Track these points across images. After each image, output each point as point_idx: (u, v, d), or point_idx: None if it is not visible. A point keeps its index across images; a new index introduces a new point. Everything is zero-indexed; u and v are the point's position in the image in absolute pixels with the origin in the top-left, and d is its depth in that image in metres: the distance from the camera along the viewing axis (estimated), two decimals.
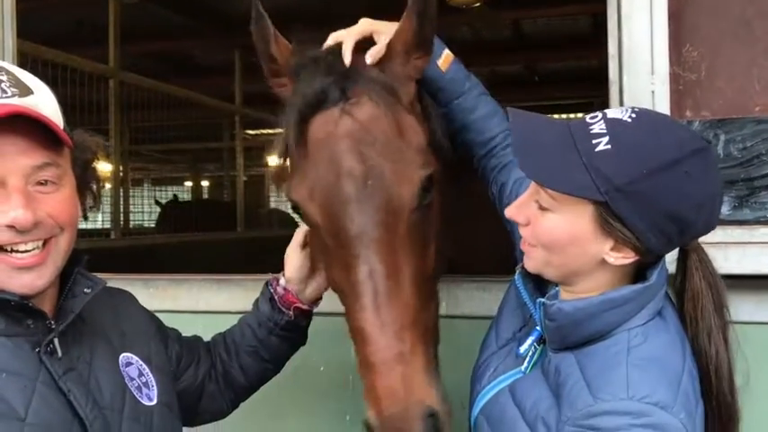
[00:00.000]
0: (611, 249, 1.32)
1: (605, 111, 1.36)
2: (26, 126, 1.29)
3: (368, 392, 1.42)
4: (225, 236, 7.89)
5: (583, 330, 1.35)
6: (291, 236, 1.85)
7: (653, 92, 1.89)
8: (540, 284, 1.51)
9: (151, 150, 10.28)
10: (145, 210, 11.82)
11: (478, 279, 2.16)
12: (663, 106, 1.87)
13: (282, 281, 1.82)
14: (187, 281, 2.30)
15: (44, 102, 1.35)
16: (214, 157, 10.94)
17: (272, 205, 15.37)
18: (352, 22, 1.73)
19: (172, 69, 9.39)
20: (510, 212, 1.43)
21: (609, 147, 1.27)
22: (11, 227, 1.27)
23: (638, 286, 1.34)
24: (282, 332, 1.80)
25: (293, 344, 1.86)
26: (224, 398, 1.82)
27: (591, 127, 1.31)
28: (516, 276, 1.53)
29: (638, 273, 1.39)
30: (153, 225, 11.09)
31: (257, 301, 1.86)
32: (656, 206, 1.27)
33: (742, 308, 1.86)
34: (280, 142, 1.68)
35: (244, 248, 7.10)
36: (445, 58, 1.80)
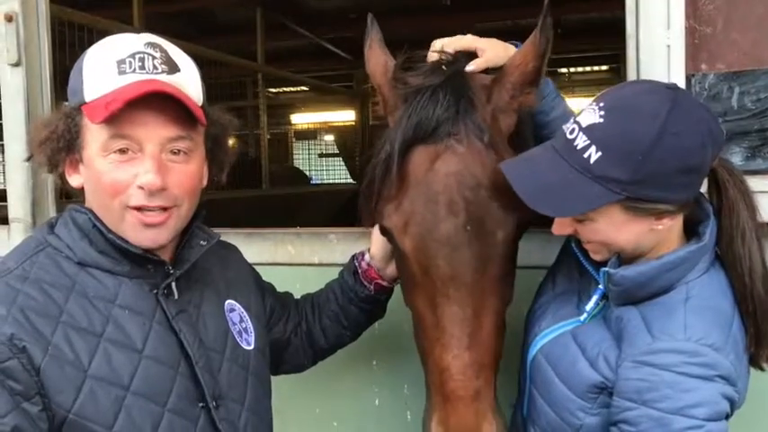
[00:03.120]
0: (655, 221, 1.43)
1: (577, 120, 1.43)
2: (169, 100, 1.43)
3: (439, 422, 1.54)
4: (251, 193, 7.98)
5: (646, 290, 1.47)
6: (312, 193, 1.93)
7: (668, 46, 1.93)
8: None
9: None
10: None
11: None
12: (678, 60, 1.92)
13: (367, 257, 1.93)
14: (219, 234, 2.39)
15: (189, 80, 1.50)
16: (238, 115, 11.01)
17: (296, 163, 15.45)
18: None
19: (194, 29, 9.40)
20: (555, 230, 1.53)
21: (600, 153, 1.36)
22: (141, 188, 1.41)
23: (694, 247, 1.46)
24: (362, 304, 1.93)
25: (371, 315, 1.99)
26: (305, 354, 1.98)
27: (575, 143, 1.40)
28: (573, 245, 1.64)
29: (688, 223, 1.51)
30: None
31: (343, 271, 1.99)
32: (668, 173, 1.36)
33: None
34: (380, 161, 1.66)
35: (269, 205, 7.20)
36: None
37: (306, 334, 1.96)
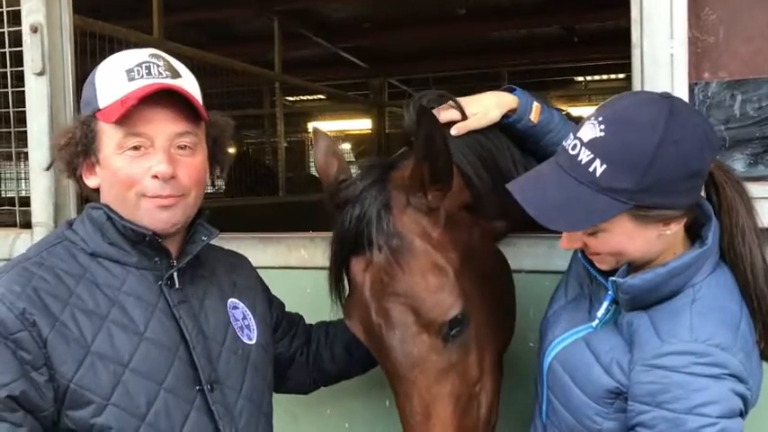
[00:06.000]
0: (663, 226, 1.46)
1: (578, 135, 1.47)
2: (174, 101, 1.60)
3: None
4: (268, 200, 8.06)
5: (654, 296, 1.50)
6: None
7: (672, 55, 1.97)
8: None
9: None
10: None
11: (528, 236, 2.24)
12: (681, 69, 1.96)
13: None
14: (235, 239, 2.46)
15: (189, 83, 1.68)
16: (255, 123, 11.12)
17: (313, 171, 15.54)
18: None
19: (213, 38, 9.52)
20: (564, 245, 1.58)
21: (605, 166, 1.41)
22: (155, 177, 1.58)
23: (698, 251, 1.49)
24: None
25: None
26: (309, 375, 2.07)
27: (579, 158, 1.44)
28: (580, 254, 1.67)
29: (690, 227, 1.54)
30: None
31: None
32: (672, 179, 1.41)
33: None
34: (329, 266, 1.84)
35: (286, 212, 7.27)
36: (535, 110, 1.97)
37: (314, 355, 2.06)
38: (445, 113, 1.92)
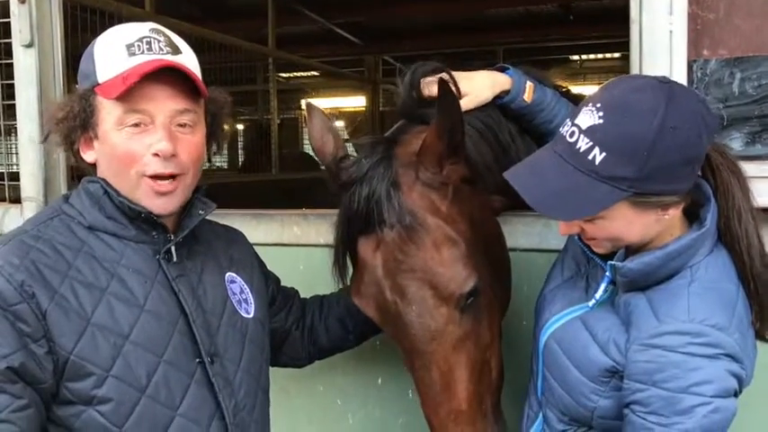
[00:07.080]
0: (661, 212, 1.46)
1: (575, 122, 1.44)
2: (174, 78, 1.60)
3: None
4: (261, 177, 8.02)
5: (652, 278, 1.51)
6: (322, 179, 1.95)
7: (671, 31, 1.94)
8: None
9: None
10: None
11: (523, 215, 2.23)
12: (680, 46, 1.93)
13: None
14: (228, 215, 2.44)
15: (189, 60, 1.67)
16: (248, 100, 11.02)
17: (306, 149, 15.47)
18: None
19: (205, 12, 9.40)
20: (563, 231, 1.58)
21: (605, 154, 1.39)
22: (156, 155, 1.54)
23: (696, 233, 1.49)
24: None
25: (377, 326, 2.03)
26: (304, 349, 2.08)
27: (577, 146, 1.42)
28: (576, 237, 1.65)
29: (688, 207, 1.53)
30: None
31: None
32: (671, 166, 1.39)
33: None
34: (334, 247, 1.84)
35: (279, 189, 7.23)
36: (528, 90, 1.96)
37: (308, 329, 2.06)
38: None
